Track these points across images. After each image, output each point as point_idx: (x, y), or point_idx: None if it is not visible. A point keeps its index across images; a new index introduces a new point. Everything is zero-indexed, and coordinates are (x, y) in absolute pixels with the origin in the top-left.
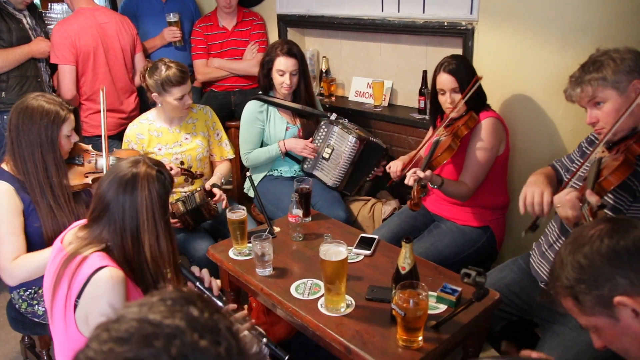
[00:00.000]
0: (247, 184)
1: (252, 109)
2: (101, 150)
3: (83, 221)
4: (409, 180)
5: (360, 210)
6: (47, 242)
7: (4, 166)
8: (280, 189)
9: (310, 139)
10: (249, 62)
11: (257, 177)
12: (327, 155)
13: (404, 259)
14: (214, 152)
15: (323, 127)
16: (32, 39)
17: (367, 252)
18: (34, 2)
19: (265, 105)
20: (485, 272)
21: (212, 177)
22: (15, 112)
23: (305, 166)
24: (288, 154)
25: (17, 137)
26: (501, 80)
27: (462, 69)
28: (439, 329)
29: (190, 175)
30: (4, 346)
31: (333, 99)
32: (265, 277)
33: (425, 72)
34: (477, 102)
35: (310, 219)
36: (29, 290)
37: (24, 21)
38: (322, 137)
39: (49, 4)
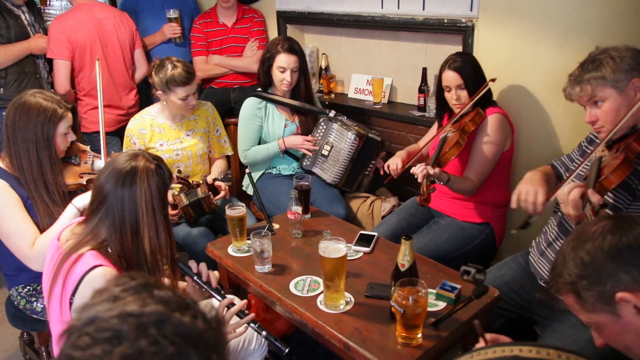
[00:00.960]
0: (245, 181)
1: (250, 105)
2: (99, 149)
3: (80, 218)
4: (419, 176)
5: (359, 207)
6: None
7: (0, 163)
8: (280, 186)
9: (310, 135)
10: (249, 59)
11: (256, 175)
12: (326, 153)
13: (404, 256)
14: (212, 148)
15: (322, 124)
16: (30, 35)
17: (367, 249)
18: None
19: (264, 102)
20: (484, 270)
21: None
22: (12, 108)
23: (304, 163)
24: (287, 152)
25: (13, 133)
26: (501, 77)
27: (468, 66)
28: (438, 326)
29: (186, 184)
30: (3, 342)
31: (332, 96)
32: (264, 274)
33: (425, 69)
34: (484, 99)
35: (309, 216)
36: (28, 287)
37: (23, 17)
38: (321, 134)
39: (48, 0)
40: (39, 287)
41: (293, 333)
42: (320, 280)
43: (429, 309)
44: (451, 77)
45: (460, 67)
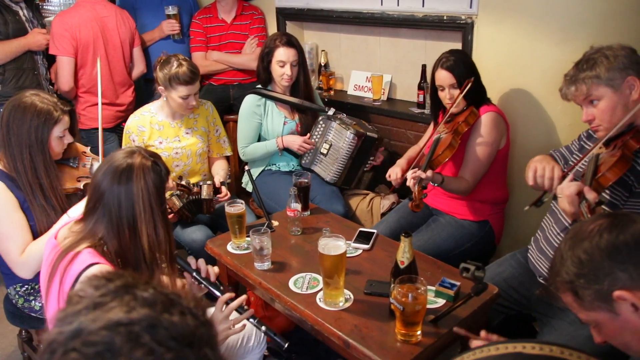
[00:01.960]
0: (245, 178)
1: (249, 103)
2: (98, 145)
3: (77, 216)
4: (410, 181)
5: (358, 204)
6: None
7: None
8: (279, 183)
9: (308, 134)
10: (248, 57)
11: (255, 172)
12: (325, 151)
13: (403, 254)
14: (211, 148)
15: (321, 122)
16: (28, 31)
17: (366, 247)
18: None
19: (263, 99)
20: (483, 267)
21: (213, 174)
22: (7, 108)
23: (303, 161)
24: (286, 149)
25: (7, 135)
26: (500, 74)
27: (460, 65)
28: (438, 323)
29: (187, 191)
30: (1, 340)
31: (332, 92)
32: (263, 271)
33: (424, 66)
34: (477, 97)
35: (308, 213)
36: (26, 286)
37: (21, 13)
38: (320, 132)
39: None
40: (36, 286)
41: (292, 330)
42: (320, 278)
43: (429, 306)
44: (444, 77)
45: (452, 66)
